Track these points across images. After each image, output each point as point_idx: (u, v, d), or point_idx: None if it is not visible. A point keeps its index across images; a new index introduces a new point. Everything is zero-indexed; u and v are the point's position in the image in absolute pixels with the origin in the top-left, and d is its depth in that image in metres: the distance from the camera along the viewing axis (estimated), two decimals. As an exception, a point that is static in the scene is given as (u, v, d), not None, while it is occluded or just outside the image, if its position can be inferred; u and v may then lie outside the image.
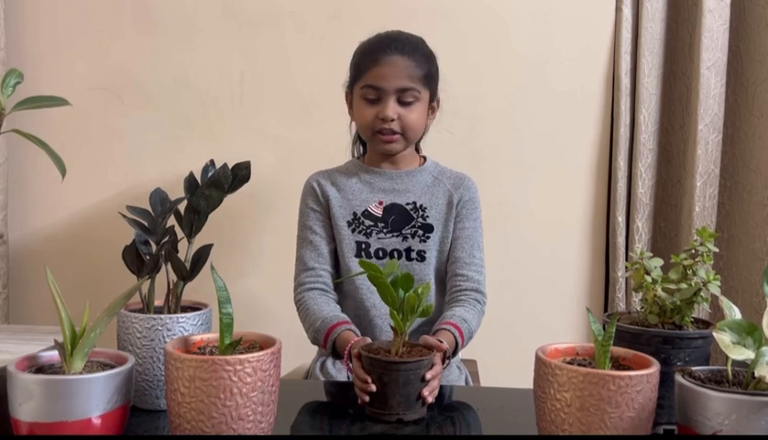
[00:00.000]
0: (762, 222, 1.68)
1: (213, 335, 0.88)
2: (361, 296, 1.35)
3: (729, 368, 0.77)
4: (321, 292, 1.34)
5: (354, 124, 1.43)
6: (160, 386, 0.93)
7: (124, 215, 0.97)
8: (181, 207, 0.96)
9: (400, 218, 1.36)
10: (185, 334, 0.92)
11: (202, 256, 0.96)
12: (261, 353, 0.79)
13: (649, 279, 0.95)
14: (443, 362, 1.05)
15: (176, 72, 1.84)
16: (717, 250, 0.97)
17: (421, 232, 1.36)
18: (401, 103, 1.31)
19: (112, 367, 0.79)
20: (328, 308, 1.29)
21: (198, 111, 1.85)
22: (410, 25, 1.41)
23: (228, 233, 1.81)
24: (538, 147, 1.82)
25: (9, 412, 0.75)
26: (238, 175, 0.97)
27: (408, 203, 1.37)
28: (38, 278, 1.90)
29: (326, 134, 1.80)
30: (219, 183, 0.93)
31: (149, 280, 0.95)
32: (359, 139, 1.48)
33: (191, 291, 0.98)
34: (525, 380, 0.94)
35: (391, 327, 0.98)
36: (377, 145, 1.36)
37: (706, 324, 0.98)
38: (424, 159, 1.44)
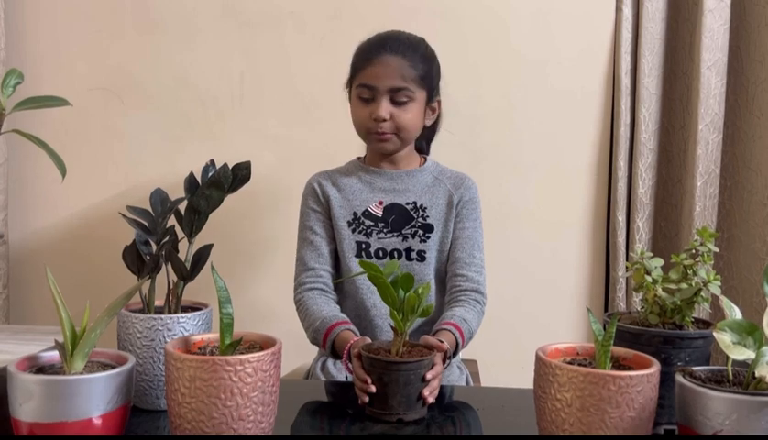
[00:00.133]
0: (762, 222, 1.68)
1: (214, 336, 0.88)
2: (361, 296, 1.35)
3: (730, 368, 0.77)
4: (321, 292, 1.34)
5: None
6: (161, 386, 0.93)
7: (124, 216, 0.97)
8: (182, 207, 0.96)
9: (400, 218, 1.36)
10: (185, 334, 0.92)
11: (202, 256, 0.96)
12: (262, 353, 0.79)
13: (649, 279, 0.95)
14: (443, 362, 1.05)
15: (176, 72, 1.84)
16: (717, 250, 0.97)
17: (421, 232, 1.36)
18: (395, 102, 1.31)
19: (112, 367, 0.79)
20: (328, 308, 1.29)
21: (198, 111, 1.85)
22: (410, 25, 1.41)
23: (228, 233, 1.81)
24: (538, 147, 1.82)
25: (9, 412, 0.75)
26: (238, 175, 0.97)
27: (408, 203, 1.37)
28: (39, 278, 1.90)
29: (326, 134, 1.80)
30: (219, 183, 0.93)
31: (150, 281, 0.95)
32: None
33: (191, 291, 0.98)
34: (525, 380, 0.94)
35: (392, 327, 0.98)
36: (371, 144, 1.37)
37: (706, 323, 0.98)
38: (425, 159, 1.44)
